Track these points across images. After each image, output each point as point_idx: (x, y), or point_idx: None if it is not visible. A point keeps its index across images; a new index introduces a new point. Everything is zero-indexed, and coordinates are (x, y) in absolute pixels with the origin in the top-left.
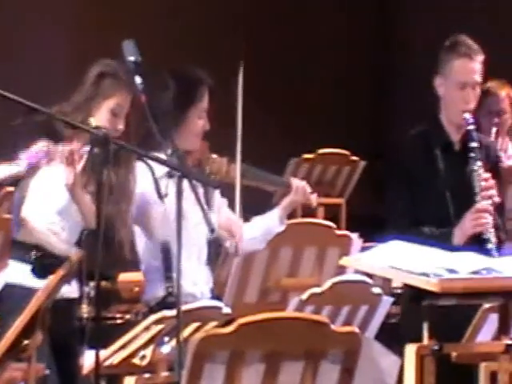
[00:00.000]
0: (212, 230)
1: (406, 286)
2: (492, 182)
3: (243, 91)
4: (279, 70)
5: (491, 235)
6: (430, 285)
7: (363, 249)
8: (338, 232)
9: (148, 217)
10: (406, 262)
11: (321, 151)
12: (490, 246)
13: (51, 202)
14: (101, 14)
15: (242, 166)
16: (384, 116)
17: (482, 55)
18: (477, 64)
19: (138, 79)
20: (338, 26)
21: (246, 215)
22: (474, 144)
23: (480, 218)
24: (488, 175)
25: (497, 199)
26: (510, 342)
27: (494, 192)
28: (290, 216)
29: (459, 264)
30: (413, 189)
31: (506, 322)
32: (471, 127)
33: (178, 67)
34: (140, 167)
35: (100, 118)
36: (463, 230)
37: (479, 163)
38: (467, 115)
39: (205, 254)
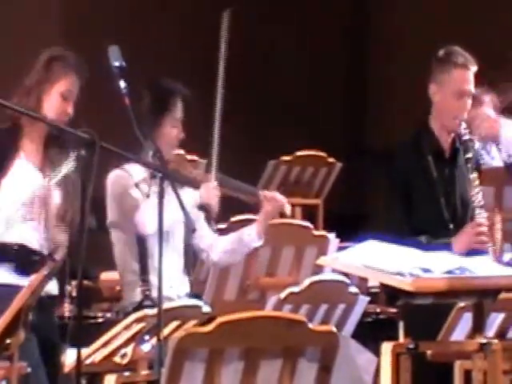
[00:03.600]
0: (193, 230)
1: (383, 286)
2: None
3: (224, 98)
4: (257, 71)
5: (490, 248)
6: (405, 284)
7: (340, 248)
8: (316, 232)
9: (134, 212)
10: (381, 261)
11: (298, 153)
12: (488, 256)
13: (17, 197)
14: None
15: (218, 175)
16: (360, 117)
17: (476, 65)
18: (472, 74)
19: (122, 83)
20: (315, 26)
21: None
22: (470, 155)
23: (480, 233)
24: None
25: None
26: (484, 340)
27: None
28: None
29: (434, 264)
30: (409, 196)
31: (480, 321)
32: (467, 137)
33: (153, 78)
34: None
35: (50, 101)
36: (464, 244)
37: (475, 174)
38: (464, 125)
39: (182, 256)
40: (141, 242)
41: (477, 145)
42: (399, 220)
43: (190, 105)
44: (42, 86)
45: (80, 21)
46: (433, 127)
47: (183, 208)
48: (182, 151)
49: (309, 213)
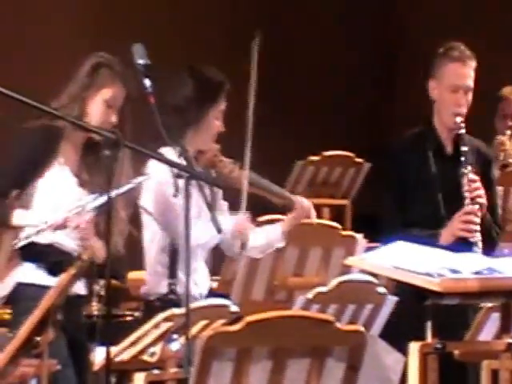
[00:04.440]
0: (219, 230)
1: (406, 285)
2: (479, 184)
3: (256, 98)
4: (286, 72)
5: (478, 239)
6: (433, 285)
7: (368, 249)
8: (343, 232)
9: (169, 210)
10: (409, 262)
11: (326, 153)
12: (476, 249)
13: (55, 205)
14: (110, 16)
15: (251, 174)
16: (389, 117)
17: (475, 61)
18: (469, 69)
19: (147, 81)
20: (345, 29)
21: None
22: (465, 148)
23: (468, 222)
24: (477, 178)
25: (484, 201)
26: (511, 340)
27: (481, 193)
28: None
29: (462, 264)
30: (406, 190)
31: (507, 321)
32: (462, 131)
33: (198, 66)
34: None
35: (94, 108)
36: (450, 231)
37: (469, 167)
38: (459, 119)
39: (206, 252)
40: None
41: (507, 145)
42: (394, 213)
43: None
44: (87, 92)
45: (97, 20)
46: (435, 125)
47: (210, 209)
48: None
49: (336, 213)
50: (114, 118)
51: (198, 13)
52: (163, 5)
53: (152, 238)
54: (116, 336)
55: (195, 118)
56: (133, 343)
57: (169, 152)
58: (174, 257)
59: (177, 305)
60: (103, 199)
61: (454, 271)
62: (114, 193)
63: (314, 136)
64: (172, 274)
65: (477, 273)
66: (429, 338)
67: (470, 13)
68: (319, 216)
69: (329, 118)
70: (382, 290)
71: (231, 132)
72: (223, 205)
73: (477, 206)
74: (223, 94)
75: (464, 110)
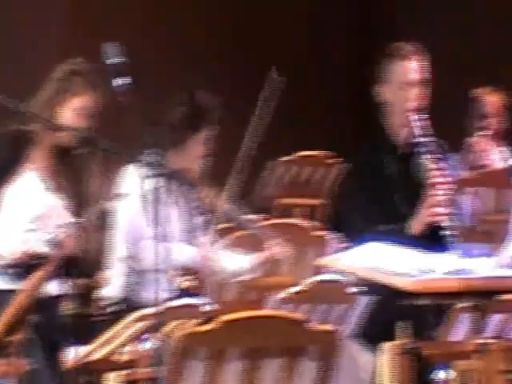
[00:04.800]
0: (195, 228)
1: (379, 286)
2: (443, 171)
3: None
4: (262, 72)
5: (449, 223)
6: (406, 284)
7: (339, 249)
8: (315, 232)
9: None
10: (382, 262)
11: (299, 153)
12: (446, 232)
13: (26, 211)
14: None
15: (227, 205)
16: (371, 117)
17: (420, 55)
18: (416, 63)
19: (119, 81)
20: (319, 29)
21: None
22: (422, 139)
23: (436, 205)
24: (437, 166)
25: (446, 186)
26: (481, 341)
27: (445, 180)
28: (268, 216)
29: (435, 265)
30: (367, 193)
31: (478, 322)
32: (418, 124)
33: (198, 91)
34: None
35: (64, 115)
36: (421, 219)
37: (429, 156)
38: (413, 113)
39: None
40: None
41: (479, 146)
42: (363, 218)
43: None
44: (59, 98)
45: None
46: (388, 125)
47: (187, 206)
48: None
49: (308, 213)
50: (84, 125)
51: (174, 13)
52: (137, 5)
53: (118, 240)
54: (88, 335)
55: (180, 140)
56: (105, 342)
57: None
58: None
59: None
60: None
61: (427, 272)
62: (86, 217)
63: (286, 136)
64: (128, 281)
65: (449, 273)
66: (401, 339)
67: (443, 14)
68: (291, 216)
69: (303, 118)
70: (353, 290)
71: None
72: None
73: (441, 191)
74: (210, 122)
75: (416, 104)
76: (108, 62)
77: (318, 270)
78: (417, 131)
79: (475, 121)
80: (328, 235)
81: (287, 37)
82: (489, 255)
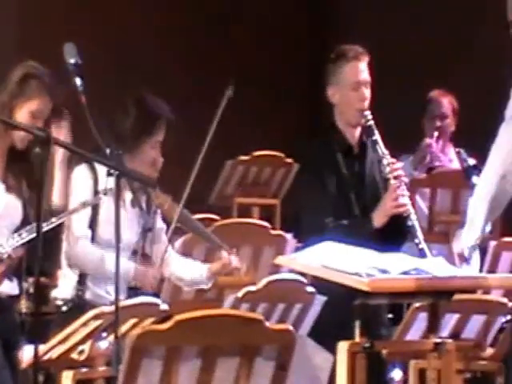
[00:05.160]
0: (149, 229)
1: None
2: (399, 164)
3: (183, 98)
4: (218, 72)
5: (410, 212)
6: (362, 284)
7: (297, 248)
8: (273, 232)
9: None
10: (339, 261)
11: (256, 153)
12: (410, 223)
13: None
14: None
15: (184, 212)
16: (319, 118)
17: (368, 56)
18: (365, 64)
19: (78, 81)
20: (273, 25)
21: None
22: (376, 137)
23: (399, 196)
24: (394, 160)
25: (406, 179)
26: (438, 340)
27: (402, 173)
28: (227, 216)
29: (390, 264)
30: (321, 193)
31: (434, 321)
32: (371, 122)
33: (143, 95)
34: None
35: (20, 118)
36: (383, 211)
37: (386, 151)
38: (367, 112)
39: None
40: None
41: (434, 147)
42: (315, 211)
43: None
44: (15, 101)
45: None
46: (339, 126)
47: (140, 207)
48: None
49: (266, 213)
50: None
51: (132, 15)
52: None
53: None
54: (45, 334)
55: (131, 146)
56: (61, 341)
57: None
58: None
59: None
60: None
61: (383, 271)
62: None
63: (243, 136)
64: (81, 280)
65: (405, 273)
66: (357, 338)
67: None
68: (249, 216)
69: (259, 118)
70: (310, 289)
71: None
72: (162, 229)
73: (403, 186)
74: (161, 126)
75: (367, 104)
76: (67, 61)
77: (276, 270)
78: (370, 130)
79: (431, 122)
80: (286, 234)
81: (239, 40)
82: (445, 255)
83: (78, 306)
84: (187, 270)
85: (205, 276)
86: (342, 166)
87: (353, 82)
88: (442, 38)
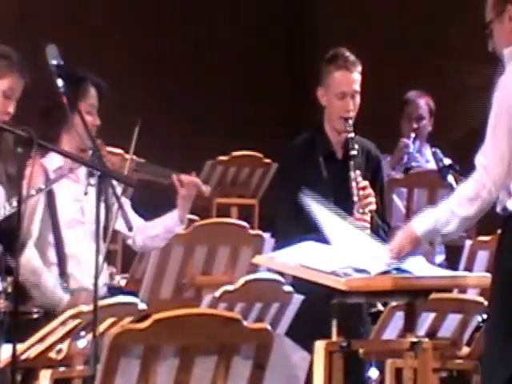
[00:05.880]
0: (130, 229)
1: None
2: (369, 190)
3: (156, 93)
4: (193, 70)
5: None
6: (339, 284)
7: (275, 248)
8: (251, 232)
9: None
10: (316, 261)
11: (235, 153)
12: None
13: None
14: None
15: (135, 160)
16: (298, 119)
17: (360, 66)
18: (355, 75)
19: (60, 82)
20: (253, 25)
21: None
22: (354, 152)
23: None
24: (366, 183)
25: (373, 207)
26: (415, 339)
27: (372, 200)
28: (205, 216)
29: (368, 264)
30: (298, 195)
31: (411, 320)
32: (351, 135)
33: (65, 66)
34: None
35: None
36: None
37: (358, 172)
38: (349, 123)
39: (104, 248)
40: (55, 228)
41: (411, 147)
42: (287, 219)
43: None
44: None
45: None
46: (325, 129)
47: (121, 207)
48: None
49: (245, 212)
50: (11, 109)
51: (108, 12)
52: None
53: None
54: (23, 333)
55: (64, 116)
56: (39, 340)
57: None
58: (62, 254)
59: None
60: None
61: (361, 271)
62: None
63: (222, 136)
64: (61, 271)
65: (383, 273)
66: (334, 337)
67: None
68: (228, 215)
69: (238, 118)
70: (288, 288)
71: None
72: (126, 202)
73: (367, 214)
74: (88, 88)
75: (352, 114)
76: (50, 63)
77: (254, 269)
78: (350, 142)
79: (408, 123)
80: (264, 234)
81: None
82: (421, 254)
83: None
84: (155, 224)
85: (176, 216)
86: (323, 169)
87: (339, 92)
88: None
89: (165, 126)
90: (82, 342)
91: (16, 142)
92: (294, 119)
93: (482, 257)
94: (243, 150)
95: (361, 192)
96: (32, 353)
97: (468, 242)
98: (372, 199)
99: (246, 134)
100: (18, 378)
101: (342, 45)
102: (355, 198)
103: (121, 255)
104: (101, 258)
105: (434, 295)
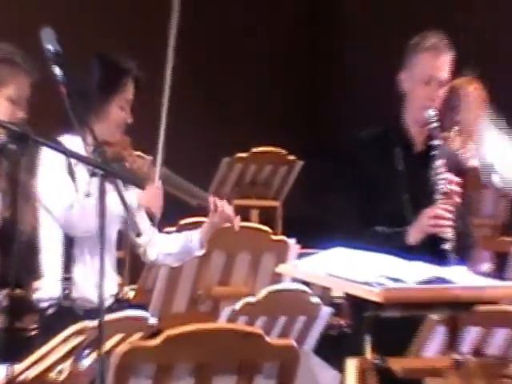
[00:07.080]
0: (138, 234)
1: (349, 296)
2: (454, 180)
3: (174, 88)
4: (213, 64)
5: (450, 235)
6: (373, 294)
7: (301, 255)
8: (274, 237)
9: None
10: (346, 269)
11: (255, 150)
12: (447, 246)
13: None
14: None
15: (164, 171)
16: (321, 115)
17: (450, 52)
18: (443, 60)
19: (57, 70)
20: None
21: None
22: (437, 142)
23: (440, 217)
24: (449, 175)
25: (458, 199)
26: (458, 357)
27: (455, 189)
28: None
29: (405, 273)
30: (367, 189)
31: (454, 336)
32: (435, 125)
33: (106, 53)
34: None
35: None
36: (419, 228)
37: (440, 161)
38: (431, 112)
39: (112, 252)
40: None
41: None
42: (351, 214)
43: (141, 90)
44: None
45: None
46: (404, 119)
47: (127, 209)
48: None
49: (266, 215)
50: (20, 113)
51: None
52: None
53: (49, 236)
54: (19, 352)
55: (98, 106)
56: (39, 360)
57: (74, 140)
58: (69, 257)
59: (72, 312)
60: None
61: (396, 280)
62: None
63: (241, 131)
64: (66, 277)
65: (424, 282)
66: (368, 354)
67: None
68: (247, 219)
69: (258, 112)
70: (315, 300)
71: (147, 124)
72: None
73: (450, 202)
74: (128, 83)
75: (436, 104)
76: (46, 47)
77: (277, 279)
78: (433, 133)
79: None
80: (289, 240)
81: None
82: (465, 264)
83: (65, 310)
84: (173, 241)
85: (196, 239)
86: (399, 162)
87: (424, 75)
88: None
89: (180, 122)
90: (87, 361)
91: (10, 139)
92: (318, 116)
93: None
94: (264, 146)
95: (445, 179)
96: (30, 374)
97: None
98: (456, 187)
99: (267, 128)
100: None
101: (368, 37)
102: (438, 188)
103: (129, 263)
104: (109, 266)
105: (479, 308)
